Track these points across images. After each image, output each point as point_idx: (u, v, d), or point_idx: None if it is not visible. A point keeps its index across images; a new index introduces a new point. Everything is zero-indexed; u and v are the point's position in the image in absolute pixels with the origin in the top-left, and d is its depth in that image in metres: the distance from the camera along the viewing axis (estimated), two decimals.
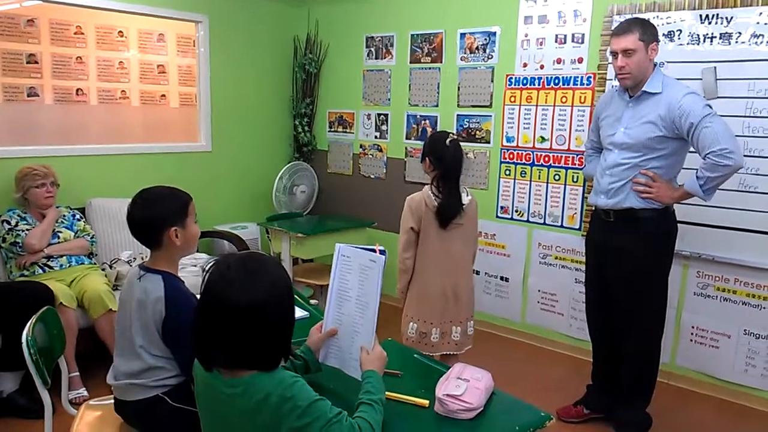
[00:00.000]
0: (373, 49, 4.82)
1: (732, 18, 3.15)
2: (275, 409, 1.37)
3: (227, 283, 1.39)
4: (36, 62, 3.83)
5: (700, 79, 3.23)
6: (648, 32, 2.63)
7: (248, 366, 1.41)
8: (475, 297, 2.88)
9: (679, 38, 3.33)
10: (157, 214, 1.92)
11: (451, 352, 2.75)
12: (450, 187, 2.63)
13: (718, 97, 3.17)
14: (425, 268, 2.67)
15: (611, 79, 3.50)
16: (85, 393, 3.11)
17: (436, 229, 2.64)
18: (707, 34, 3.24)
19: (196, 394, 1.58)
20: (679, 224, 2.86)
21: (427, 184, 2.70)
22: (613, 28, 3.48)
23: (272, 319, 1.41)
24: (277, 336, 1.44)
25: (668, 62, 3.34)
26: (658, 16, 3.36)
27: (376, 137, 4.89)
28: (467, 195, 2.71)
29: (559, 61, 3.82)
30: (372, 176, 4.95)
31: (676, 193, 2.68)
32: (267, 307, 1.39)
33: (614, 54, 2.69)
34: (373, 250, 1.73)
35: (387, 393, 1.62)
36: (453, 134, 2.68)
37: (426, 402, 1.70)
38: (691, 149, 2.66)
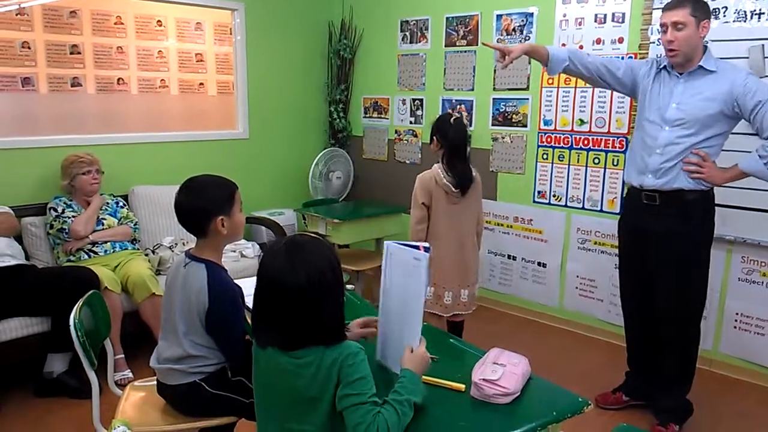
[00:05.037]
0: (407, 33, 4.79)
1: None
2: (338, 373, 1.46)
3: (276, 266, 1.48)
4: (79, 53, 3.93)
5: (747, 57, 3.12)
6: (700, 9, 2.54)
7: (308, 342, 1.48)
8: (479, 265, 3.16)
9: (724, 15, 3.21)
10: (203, 204, 1.93)
11: (461, 312, 3.03)
12: (460, 159, 2.88)
13: (766, 76, 3.06)
14: (436, 238, 2.91)
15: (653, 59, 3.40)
16: (130, 375, 3.21)
17: (445, 203, 2.91)
18: (755, 11, 3.12)
19: (255, 371, 1.62)
20: (722, 208, 2.79)
21: None
22: (654, 6, 3.40)
23: (320, 297, 1.46)
24: (329, 312, 1.49)
25: (713, 41, 3.21)
26: None
27: (411, 122, 4.87)
28: (474, 172, 2.97)
29: (598, 41, 3.73)
30: (407, 161, 4.93)
31: (727, 173, 2.60)
32: (312, 287, 1.45)
33: (663, 28, 2.59)
34: (417, 248, 1.68)
35: (423, 377, 1.62)
36: (456, 114, 2.78)
37: (462, 386, 1.70)
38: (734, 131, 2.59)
